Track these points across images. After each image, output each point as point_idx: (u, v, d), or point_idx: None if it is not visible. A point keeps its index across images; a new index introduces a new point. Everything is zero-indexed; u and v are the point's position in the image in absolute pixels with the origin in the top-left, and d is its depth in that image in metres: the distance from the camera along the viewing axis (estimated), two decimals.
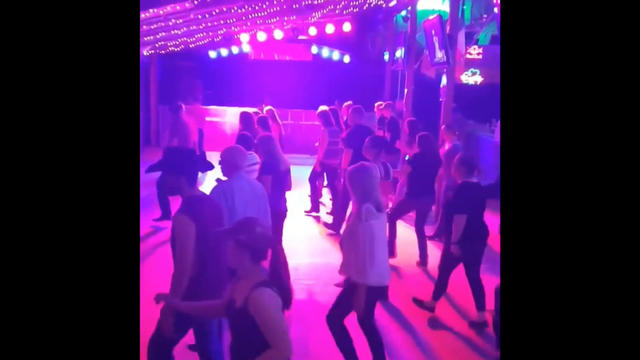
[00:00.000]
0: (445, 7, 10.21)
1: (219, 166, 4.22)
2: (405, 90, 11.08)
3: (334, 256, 6.03)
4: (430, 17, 8.73)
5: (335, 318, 3.93)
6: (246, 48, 15.19)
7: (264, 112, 10.03)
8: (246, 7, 9.20)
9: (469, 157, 5.09)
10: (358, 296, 3.72)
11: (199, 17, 9.30)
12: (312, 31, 13.24)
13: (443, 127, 7.40)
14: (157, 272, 5.46)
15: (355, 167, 3.89)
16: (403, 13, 12.06)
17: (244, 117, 7.61)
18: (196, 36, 12.14)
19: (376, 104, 10.52)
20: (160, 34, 10.58)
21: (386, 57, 13.88)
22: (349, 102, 10.26)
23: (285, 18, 11.61)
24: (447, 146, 7.11)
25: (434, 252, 6.53)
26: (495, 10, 7.43)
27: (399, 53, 11.94)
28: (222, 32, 12.32)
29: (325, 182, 8.92)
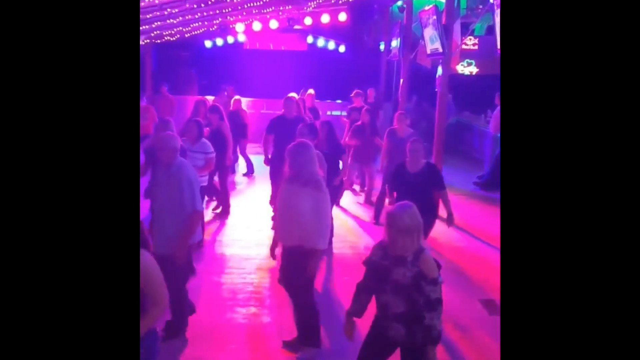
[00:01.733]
0: None
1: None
2: (401, 80, 11.08)
3: None
4: (426, 8, 8.73)
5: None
6: (242, 38, 15.12)
7: (232, 101, 10.12)
8: None
9: (419, 139, 5.86)
10: (314, 261, 4.09)
11: (195, 6, 9.25)
12: (308, 21, 13.21)
13: (397, 113, 7.58)
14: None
15: (294, 144, 4.21)
16: (399, 3, 12.02)
17: (195, 104, 7.94)
18: (192, 26, 12.07)
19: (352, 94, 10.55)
20: (155, 24, 10.51)
21: (382, 47, 13.86)
22: (311, 91, 10.38)
23: (281, 8, 11.57)
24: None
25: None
26: (491, 0, 7.43)
27: (395, 43, 11.92)
28: (217, 21, 12.26)
29: None
